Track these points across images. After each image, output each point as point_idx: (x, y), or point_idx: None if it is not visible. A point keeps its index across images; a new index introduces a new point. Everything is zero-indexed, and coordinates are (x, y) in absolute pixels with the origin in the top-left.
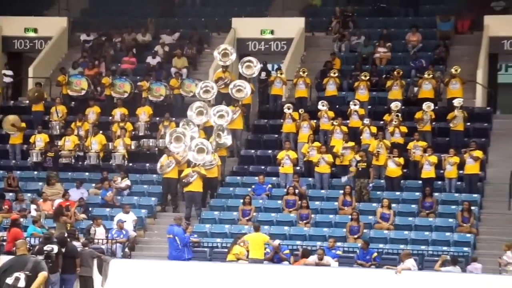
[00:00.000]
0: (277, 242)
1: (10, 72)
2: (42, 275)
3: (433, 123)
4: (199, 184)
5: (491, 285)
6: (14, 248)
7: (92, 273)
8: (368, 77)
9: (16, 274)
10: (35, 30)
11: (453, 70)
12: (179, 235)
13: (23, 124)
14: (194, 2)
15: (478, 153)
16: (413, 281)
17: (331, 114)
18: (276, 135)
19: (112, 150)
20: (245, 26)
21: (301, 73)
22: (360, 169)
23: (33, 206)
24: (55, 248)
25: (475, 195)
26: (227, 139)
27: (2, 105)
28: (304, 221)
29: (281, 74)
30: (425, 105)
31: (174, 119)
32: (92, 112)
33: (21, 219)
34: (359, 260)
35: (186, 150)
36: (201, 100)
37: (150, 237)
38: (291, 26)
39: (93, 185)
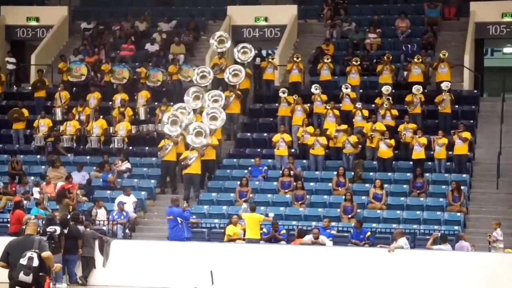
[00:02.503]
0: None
1: (13, 60)
2: (47, 254)
3: (423, 106)
4: (198, 167)
5: (481, 262)
6: (24, 226)
7: (94, 253)
8: (359, 62)
9: (28, 254)
10: (37, 19)
11: (441, 55)
12: (180, 215)
13: (26, 113)
14: None
15: (467, 135)
16: (406, 259)
17: (324, 97)
18: (271, 119)
19: (112, 134)
20: (240, 14)
21: (295, 58)
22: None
23: (36, 189)
24: (58, 230)
25: (464, 175)
26: (222, 121)
27: (5, 91)
28: (299, 202)
29: (272, 59)
30: (414, 89)
31: (172, 104)
32: (93, 98)
33: (25, 202)
34: (353, 239)
35: (183, 132)
36: (198, 85)
37: (150, 218)
38: (284, 14)
39: (94, 168)
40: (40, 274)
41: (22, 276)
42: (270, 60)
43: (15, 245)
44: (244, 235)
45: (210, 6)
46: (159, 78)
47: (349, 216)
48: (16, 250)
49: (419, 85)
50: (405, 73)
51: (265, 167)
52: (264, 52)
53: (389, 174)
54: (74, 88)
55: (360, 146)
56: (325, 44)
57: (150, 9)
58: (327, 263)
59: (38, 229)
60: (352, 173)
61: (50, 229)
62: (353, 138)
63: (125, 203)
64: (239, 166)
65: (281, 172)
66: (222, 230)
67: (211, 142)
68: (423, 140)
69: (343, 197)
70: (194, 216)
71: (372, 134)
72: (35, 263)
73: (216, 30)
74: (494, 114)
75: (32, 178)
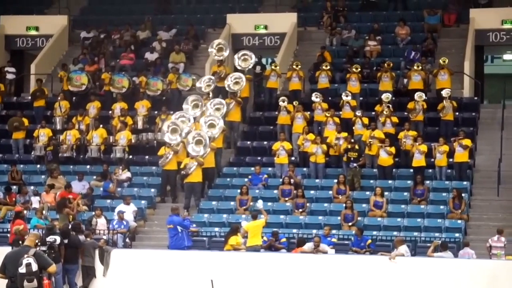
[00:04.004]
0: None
1: (12, 69)
2: (53, 268)
3: (424, 113)
4: (199, 175)
5: (482, 269)
6: (26, 236)
7: (94, 263)
8: (359, 70)
9: (25, 261)
10: (37, 29)
11: (441, 62)
12: (180, 223)
13: (26, 123)
14: None
15: (467, 142)
16: (406, 267)
17: (325, 105)
18: (271, 127)
19: (113, 144)
20: (240, 22)
21: (294, 66)
22: (352, 158)
23: (35, 199)
24: (58, 239)
25: (465, 183)
26: (220, 129)
27: (5, 101)
28: (300, 210)
29: (275, 67)
30: (417, 95)
31: (171, 112)
32: (93, 107)
33: (25, 211)
34: (354, 247)
35: (184, 141)
36: (203, 94)
37: (150, 227)
38: (284, 21)
39: (94, 177)
40: (40, 275)
41: (26, 284)
42: (273, 68)
43: (10, 257)
44: (245, 243)
45: (210, 15)
46: (159, 87)
47: (350, 224)
48: (12, 261)
49: (421, 92)
50: (405, 80)
51: (265, 175)
52: (264, 60)
53: (390, 181)
54: (74, 98)
55: (363, 157)
56: (321, 51)
57: (150, 18)
58: (328, 271)
59: (37, 241)
60: (349, 183)
61: (50, 238)
62: (345, 145)
63: (125, 212)
64: (239, 174)
65: (281, 180)
66: (223, 239)
67: (209, 150)
68: (423, 147)
69: (344, 205)
70: (194, 225)
71: (370, 141)
72: (34, 267)
73: (216, 39)
74: (494, 121)
75: (32, 187)
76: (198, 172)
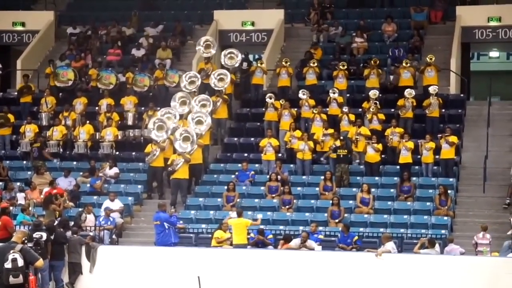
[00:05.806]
0: (259, 218)
1: None
2: (40, 263)
3: (414, 110)
4: (185, 171)
5: (468, 265)
6: (14, 233)
7: (81, 259)
8: (346, 66)
9: (10, 257)
10: (23, 24)
11: (428, 59)
12: (167, 220)
13: (12, 119)
14: None
15: (453, 139)
16: (393, 263)
17: (312, 102)
18: (258, 123)
19: (99, 140)
20: (227, 18)
21: (283, 63)
22: (341, 155)
23: (21, 195)
24: (44, 235)
25: (451, 179)
26: (207, 126)
27: None
28: (287, 206)
29: (261, 64)
30: (407, 92)
31: (158, 109)
32: (79, 103)
33: (11, 208)
34: (341, 243)
35: (171, 137)
36: (186, 91)
37: (137, 224)
38: (271, 18)
39: (81, 173)
40: (26, 271)
41: (12, 280)
42: (259, 64)
43: None
44: (231, 240)
45: (197, 11)
46: (146, 83)
47: (336, 220)
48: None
49: (411, 89)
50: (391, 77)
51: (252, 172)
52: (251, 57)
53: (376, 178)
54: (61, 93)
55: (353, 153)
56: (313, 48)
57: (137, 13)
58: (315, 268)
59: (24, 239)
60: (337, 179)
61: (36, 235)
62: (338, 142)
63: (112, 208)
64: (226, 171)
65: (268, 176)
66: (209, 235)
67: (196, 147)
68: (410, 144)
69: (330, 201)
70: (181, 221)
71: (357, 138)
72: (20, 263)
73: (203, 35)
74: (480, 118)
75: (18, 184)
76: (185, 169)
